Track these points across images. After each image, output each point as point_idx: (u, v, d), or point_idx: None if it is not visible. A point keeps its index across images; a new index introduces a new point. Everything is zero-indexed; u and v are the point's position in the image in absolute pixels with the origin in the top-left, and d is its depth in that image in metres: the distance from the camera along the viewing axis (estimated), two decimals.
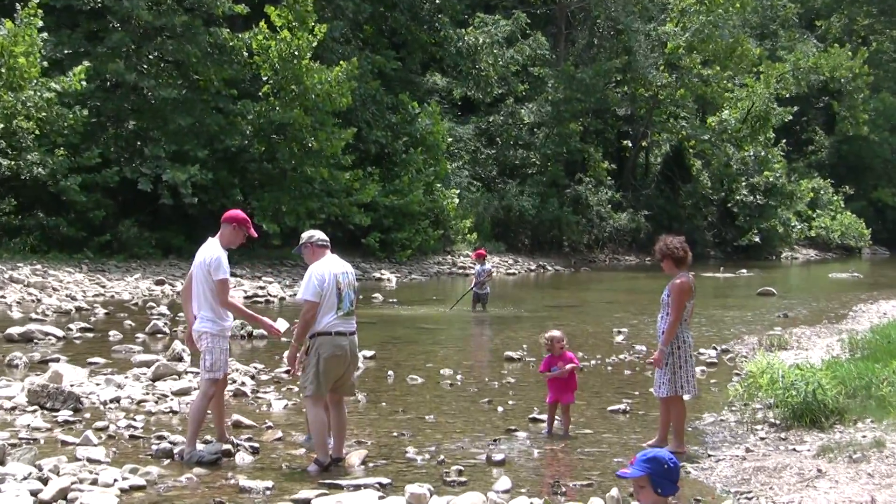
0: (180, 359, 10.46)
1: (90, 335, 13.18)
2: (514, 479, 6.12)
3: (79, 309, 16.40)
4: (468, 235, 34.32)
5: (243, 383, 9.42)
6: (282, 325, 6.53)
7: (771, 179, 47.51)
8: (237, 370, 9.97)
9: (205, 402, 6.62)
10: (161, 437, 7.06)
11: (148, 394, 8.71)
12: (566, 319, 16.78)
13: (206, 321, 6.64)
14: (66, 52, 23.82)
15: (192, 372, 9.82)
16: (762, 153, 47.85)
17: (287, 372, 9.75)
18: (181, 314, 15.62)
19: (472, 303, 18.00)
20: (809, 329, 15.25)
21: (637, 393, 9.51)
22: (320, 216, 26.66)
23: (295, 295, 20.37)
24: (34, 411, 7.88)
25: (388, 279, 26.90)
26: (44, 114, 21.81)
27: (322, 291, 6.35)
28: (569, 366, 7.64)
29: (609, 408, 8.67)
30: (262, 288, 21.18)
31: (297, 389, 9.06)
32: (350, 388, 6.71)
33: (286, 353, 6.71)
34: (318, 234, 6.72)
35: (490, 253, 35.63)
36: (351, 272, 6.67)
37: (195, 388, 8.98)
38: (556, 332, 7.78)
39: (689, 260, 7.18)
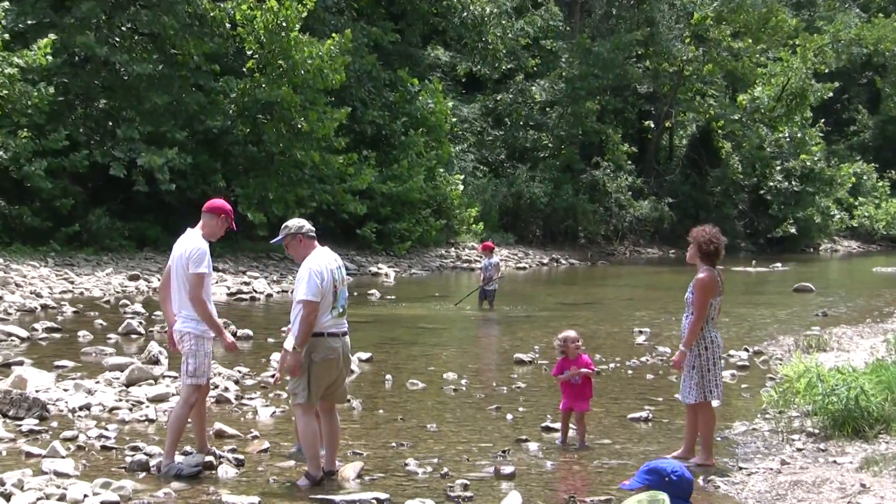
0: (157, 362, 10.46)
1: (57, 336, 13.17)
2: (524, 494, 6.12)
3: (44, 307, 16.41)
4: (474, 226, 34.32)
5: (226, 389, 9.42)
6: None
7: (808, 164, 47.37)
8: (220, 374, 9.97)
9: (185, 410, 6.63)
10: (136, 449, 7.06)
11: (121, 400, 8.71)
12: (582, 318, 16.80)
13: (188, 321, 6.63)
14: (29, 22, 23.79)
15: (169, 376, 9.82)
16: (798, 134, 47.74)
17: (273, 376, 9.74)
18: (158, 312, 15.63)
19: (479, 300, 18.01)
20: (851, 329, 15.23)
21: (660, 399, 9.50)
22: (311, 204, 26.67)
23: (285, 291, 20.40)
24: None
25: (386, 274, 26.91)
26: (5, 92, 21.79)
27: (323, 290, 6.34)
28: (582, 370, 7.63)
29: (629, 415, 8.67)
30: (246, 284, 21.18)
31: (285, 396, 9.06)
32: (342, 394, 6.71)
33: (279, 359, 6.67)
34: (307, 224, 6.69)
35: (498, 245, 35.67)
36: (343, 266, 6.67)
37: (174, 394, 8.98)
38: (570, 333, 7.77)
39: (720, 256, 7.15)
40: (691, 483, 4.44)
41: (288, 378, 6.51)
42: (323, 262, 6.44)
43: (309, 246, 6.60)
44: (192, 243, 6.66)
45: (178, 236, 6.87)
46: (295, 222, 6.70)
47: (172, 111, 25.23)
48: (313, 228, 6.73)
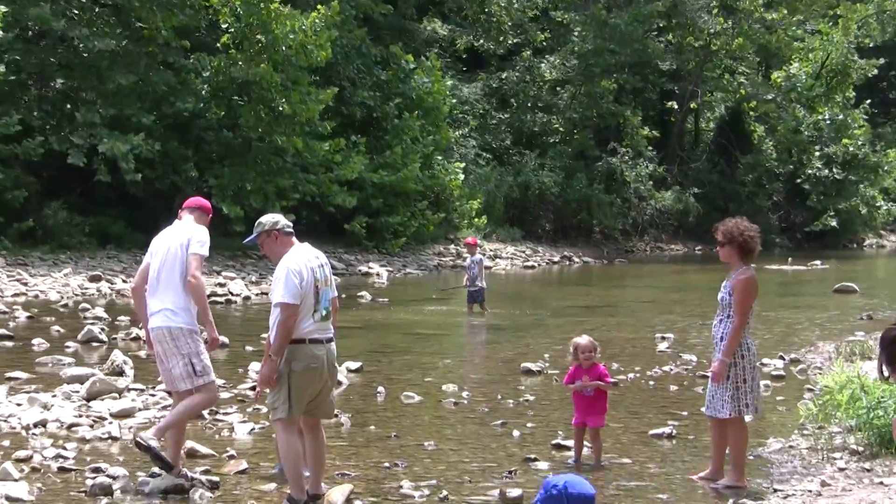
0: (121, 373, 10.45)
1: (9, 344, 13.16)
2: None
3: None
4: (476, 220, 34.33)
5: None
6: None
7: (851, 149, 47.32)
8: None
9: (200, 408, 7.14)
10: (97, 470, 7.04)
11: (81, 416, 8.70)
12: (597, 323, 16.78)
13: (180, 314, 6.83)
14: None
15: (135, 389, 9.81)
16: (840, 116, 47.73)
17: (253, 388, 9.74)
18: (122, 318, 15.63)
19: (468, 304, 17.98)
20: None
21: (685, 413, 9.50)
22: (293, 196, 26.69)
23: (264, 293, 20.39)
24: None
25: (378, 274, 26.90)
26: None
27: (302, 291, 6.34)
28: (592, 383, 7.62)
29: (651, 431, 8.68)
30: (221, 285, 21.18)
31: (265, 410, 9.05)
32: (329, 408, 6.70)
33: (258, 368, 6.68)
34: (283, 220, 6.70)
35: (504, 241, 35.78)
36: (326, 264, 6.66)
37: (140, 409, 8.97)
38: (581, 340, 7.75)
39: (758, 252, 7.17)
40: (582, 499, 4.40)
41: (266, 391, 6.51)
42: (302, 260, 6.44)
43: (286, 243, 6.61)
44: (194, 228, 7.07)
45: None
46: (269, 218, 6.72)
47: (138, 92, 25.22)
48: (290, 224, 6.73)
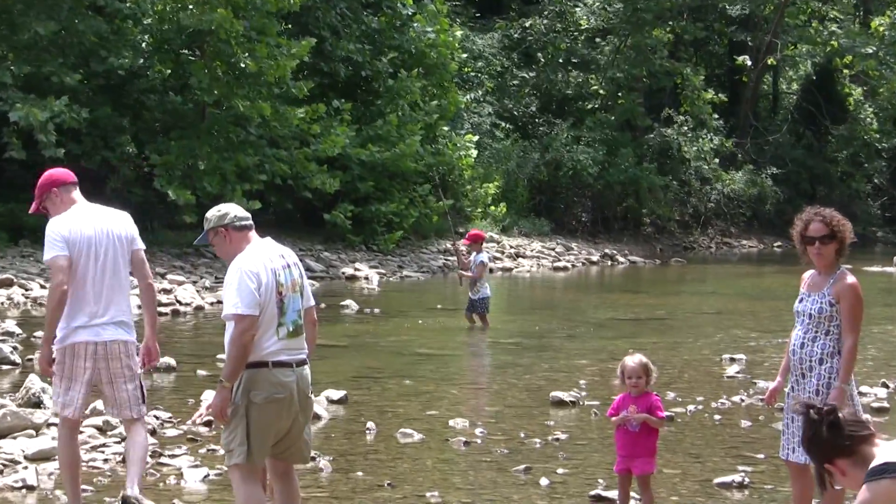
0: (38, 404, 10.44)
1: None
2: None
3: None
4: (492, 208, 34.29)
5: None
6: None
7: None
8: None
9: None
10: None
11: None
12: (648, 341, 16.73)
13: (128, 327, 7.43)
14: None
15: (55, 424, 9.80)
16: None
17: (208, 424, 9.74)
18: (39, 333, 15.60)
19: (466, 315, 17.97)
20: None
21: (760, 456, 9.50)
22: (259, 178, 26.64)
23: (220, 302, 20.37)
24: None
25: (367, 277, 26.89)
26: None
27: (261, 299, 6.31)
28: (639, 415, 7.58)
29: (716, 480, 8.68)
30: (166, 291, 21.17)
31: (222, 451, 9.04)
32: (302, 450, 6.67)
33: (209, 399, 6.66)
34: (233, 211, 6.68)
35: (528, 236, 35.74)
36: (295, 263, 6.63)
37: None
38: (631, 360, 7.71)
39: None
40: None
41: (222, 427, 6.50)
42: (260, 260, 6.41)
43: (241, 240, 6.58)
44: (125, 216, 7.59)
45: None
46: (215, 212, 6.71)
47: (60, 45, 25.20)
48: (245, 215, 6.69)
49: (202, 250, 25.97)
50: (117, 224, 7.44)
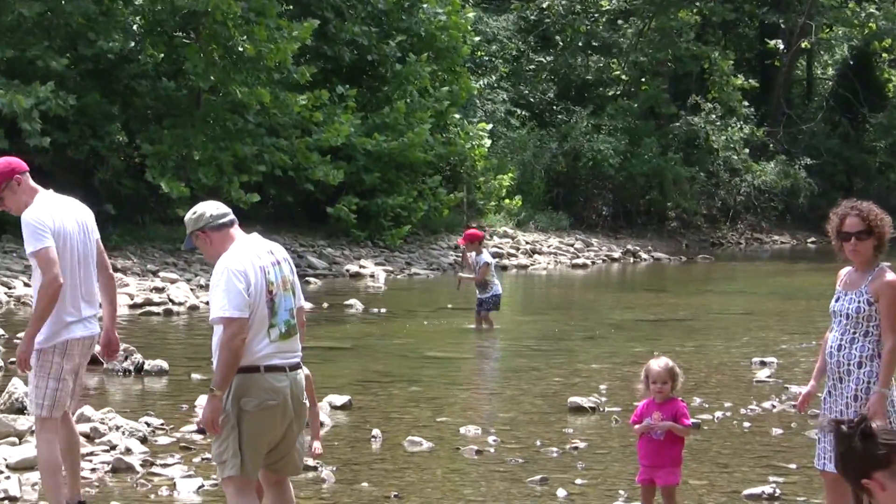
0: (21, 409, 10.43)
1: None
2: None
3: None
4: (507, 201, 34.25)
5: (128, 450, 9.41)
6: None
7: None
8: (118, 428, 9.97)
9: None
10: None
11: None
12: (673, 342, 16.71)
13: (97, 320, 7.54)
14: None
15: None
16: None
17: (201, 431, 9.73)
18: (22, 333, 15.59)
19: (476, 317, 17.89)
20: None
21: (793, 466, 9.47)
22: (257, 169, 26.65)
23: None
24: None
25: (373, 275, 26.89)
26: None
27: (250, 300, 6.28)
28: (663, 423, 7.54)
29: (746, 491, 8.65)
30: (158, 290, 21.21)
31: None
32: (294, 461, 6.64)
33: (202, 406, 6.64)
34: (208, 210, 6.61)
35: (545, 231, 35.70)
36: (285, 259, 6.57)
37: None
38: (656, 363, 7.66)
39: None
40: None
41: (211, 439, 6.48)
42: (247, 258, 6.37)
43: (222, 239, 6.53)
44: (87, 208, 7.63)
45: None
46: (191, 214, 6.64)
47: (45, 27, 25.22)
48: (224, 212, 6.62)
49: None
50: (84, 213, 7.53)
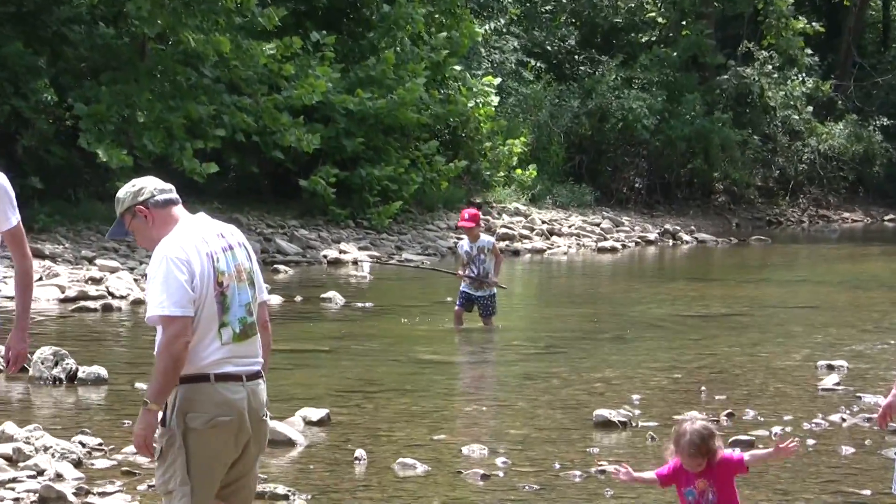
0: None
1: None
2: None
3: None
4: (518, 171, 34.28)
5: (58, 475, 9.44)
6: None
7: None
8: (47, 448, 9.97)
9: None
10: None
11: None
12: (722, 342, 16.78)
13: None
14: None
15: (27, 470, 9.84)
16: None
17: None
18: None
19: (455, 316, 17.90)
20: None
21: (867, 493, 9.53)
22: (215, 133, 26.65)
23: None
24: None
25: (356, 262, 26.92)
26: None
27: (195, 294, 6.23)
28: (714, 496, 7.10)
29: None
30: (95, 281, 21.23)
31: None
32: (250, 489, 6.61)
33: (135, 426, 6.60)
34: (151, 184, 6.54)
35: (565, 207, 35.70)
36: (241, 244, 6.49)
37: (20, 479, 9.18)
38: (690, 427, 6.91)
39: None
40: None
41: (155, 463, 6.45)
42: (191, 242, 6.29)
43: (164, 219, 6.45)
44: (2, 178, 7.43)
45: None
46: (130, 187, 6.52)
47: None
48: (168, 187, 6.55)
49: None
50: None
